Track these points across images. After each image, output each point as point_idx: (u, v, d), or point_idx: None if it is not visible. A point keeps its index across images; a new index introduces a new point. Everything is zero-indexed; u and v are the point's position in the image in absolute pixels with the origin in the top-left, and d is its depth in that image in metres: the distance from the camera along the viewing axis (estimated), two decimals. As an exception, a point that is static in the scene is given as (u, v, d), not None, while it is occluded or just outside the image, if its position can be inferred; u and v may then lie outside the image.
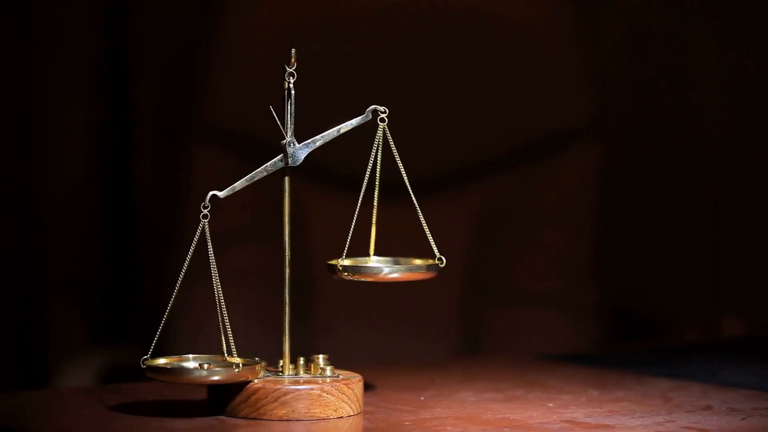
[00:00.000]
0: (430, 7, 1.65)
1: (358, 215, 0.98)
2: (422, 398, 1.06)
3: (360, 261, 0.99)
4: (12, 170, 1.72)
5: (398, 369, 1.26)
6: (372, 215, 0.99)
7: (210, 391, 0.97)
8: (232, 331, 0.97)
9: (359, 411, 0.97)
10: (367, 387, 1.05)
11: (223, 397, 0.96)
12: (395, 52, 1.65)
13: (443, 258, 0.98)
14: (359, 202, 0.98)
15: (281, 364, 0.99)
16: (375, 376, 1.14)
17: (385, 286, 1.34)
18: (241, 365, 0.94)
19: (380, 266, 0.98)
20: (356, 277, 0.97)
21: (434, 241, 0.98)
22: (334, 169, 1.60)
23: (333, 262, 0.98)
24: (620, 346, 1.69)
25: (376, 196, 0.98)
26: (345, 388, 0.96)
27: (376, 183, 0.98)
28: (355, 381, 0.97)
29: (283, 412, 0.94)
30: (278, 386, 0.94)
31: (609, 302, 1.75)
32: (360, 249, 1.00)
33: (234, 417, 0.95)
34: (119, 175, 1.77)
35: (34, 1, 1.71)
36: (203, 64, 1.66)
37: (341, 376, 0.98)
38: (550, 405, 1.04)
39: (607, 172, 1.75)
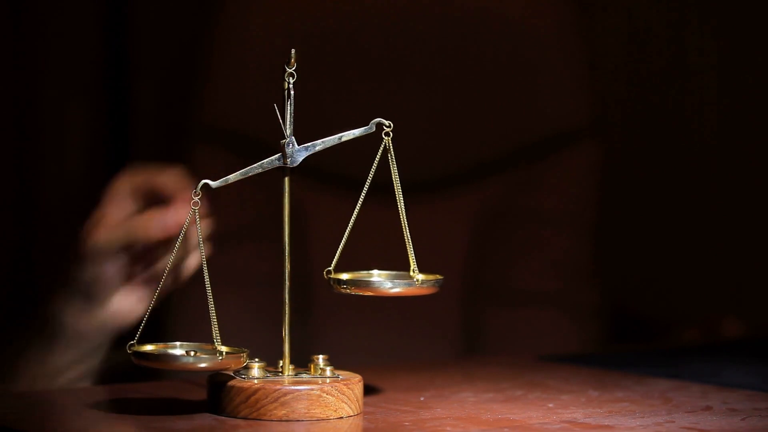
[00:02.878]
0: (429, 7, 1.65)
1: (353, 225, 0.98)
2: (422, 398, 1.06)
3: (360, 275, 0.99)
4: (12, 170, 1.72)
5: (398, 369, 1.26)
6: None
7: (210, 391, 0.97)
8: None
9: (359, 411, 0.97)
10: (367, 387, 1.05)
11: (223, 398, 0.96)
12: (395, 51, 1.65)
13: (441, 277, 0.99)
14: (354, 214, 0.98)
15: (281, 364, 0.99)
16: (375, 376, 1.14)
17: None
18: (224, 353, 0.94)
19: (381, 282, 0.98)
20: (354, 291, 0.98)
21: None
22: (335, 170, 1.60)
23: (333, 276, 0.98)
24: (620, 346, 1.69)
25: (399, 207, 0.98)
26: (345, 389, 0.96)
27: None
28: (355, 381, 0.97)
29: (283, 412, 0.94)
30: (278, 387, 0.94)
31: (609, 302, 1.75)
32: (354, 258, 1.00)
33: (234, 417, 0.95)
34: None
35: (34, 1, 1.71)
36: (203, 64, 1.66)
37: (341, 377, 0.98)
38: (550, 405, 1.04)
39: (607, 172, 1.74)
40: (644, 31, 1.93)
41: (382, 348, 1.63)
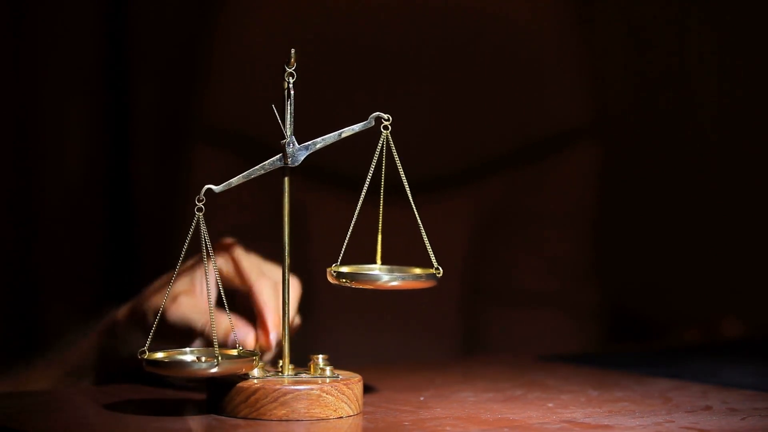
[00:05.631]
0: (430, 7, 1.65)
1: (355, 221, 0.98)
2: (422, 398, 1.06)
3: (360, 268, 1.00)
4: (12, 170, 1.72)
5: (398, 369, 1.26)
6: (375, 221, 0.99)
7: (210, 391, 0.97)
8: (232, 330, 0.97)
9: (359, 411, 0.97)
10: (367, 387, 1.06)
11: (223, 397, 0.96)
12: (394, 51, 1.65)
13: (440, 268, 0.98)
14: (357, 210, 0.98)
15: (281, 364, 0.99)
16: (375, 376, 1.14)
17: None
18: (219, 358, 0.94)
19: (379, 274, 0.99)
20: (353, 284, 0.98)
21: (433, 241, 0.98)
22: (335, 168, 1.60)
23: (331, 268, 0.98)
24: (620, 346, 1.69)
25: (380, 202, 0.98)
26: (345, 389, 0.96)
27: (379, 189, 0.98)
28: (355, 381, 0.97)
29: (283, 412, 0.94)
30: (278, 386, 0.95)
31: (609, 302, 1.75)
32: (358, 254, 1.00)
33: (234, 417, 0.95)
34: (119, 175, 1.77)
35: (34, 2, 1.71)
36: (203, 64, 1.66)
37: (341, 377, 0.98)
38: (550, 405, 1.04)
39: (607, 172, 1.75)
40: (644, 31, 1.93)
41: (382, 348, 1.63)
